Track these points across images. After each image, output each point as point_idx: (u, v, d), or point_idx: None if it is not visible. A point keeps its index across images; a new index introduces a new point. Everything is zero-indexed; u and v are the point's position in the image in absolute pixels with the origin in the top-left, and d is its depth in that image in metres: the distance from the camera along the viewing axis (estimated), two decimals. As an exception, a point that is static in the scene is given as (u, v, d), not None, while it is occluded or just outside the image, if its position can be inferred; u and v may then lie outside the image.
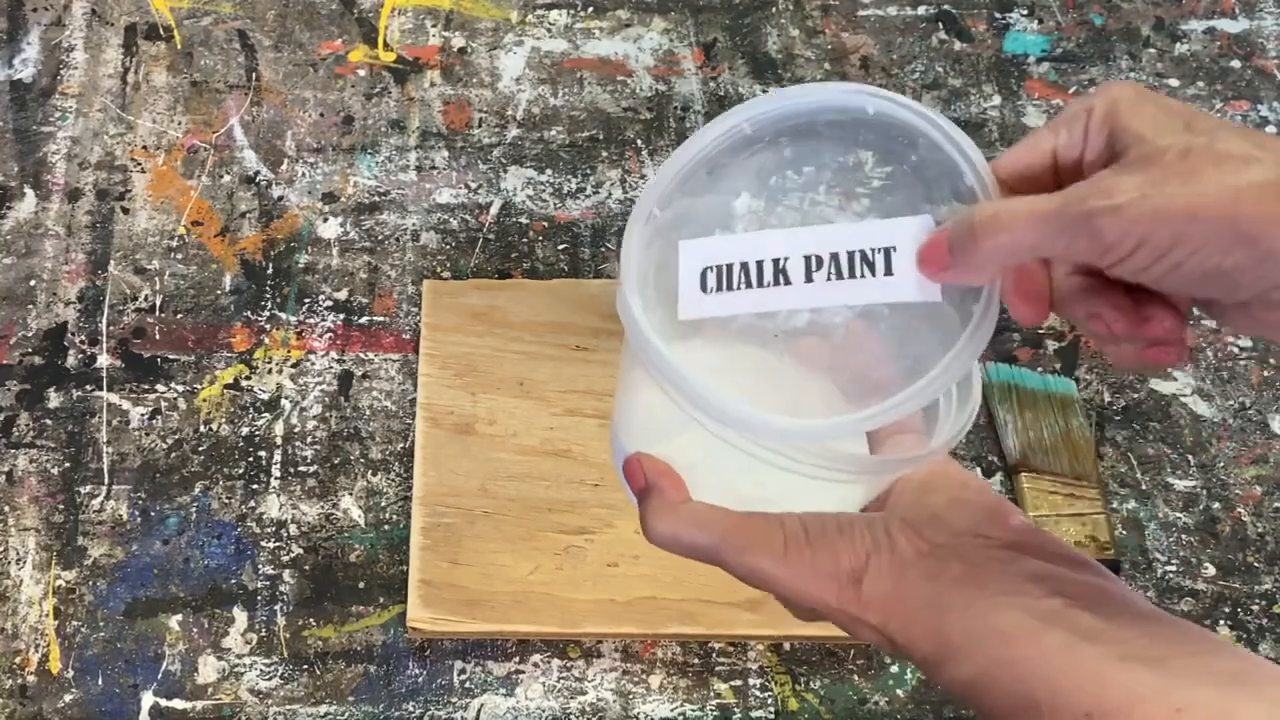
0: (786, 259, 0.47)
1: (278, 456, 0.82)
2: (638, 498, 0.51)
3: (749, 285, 0.47)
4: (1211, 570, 0.80)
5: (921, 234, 0.45)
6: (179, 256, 0.89)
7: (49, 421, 0.83)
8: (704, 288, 0.48)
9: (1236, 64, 1.00)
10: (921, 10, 1.02)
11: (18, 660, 0.76)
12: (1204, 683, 0.42)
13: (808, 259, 0.46)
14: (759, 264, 0.47)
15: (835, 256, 0.46)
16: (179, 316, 0.87)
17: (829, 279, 0.46)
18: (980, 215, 0.43)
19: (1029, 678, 0.43)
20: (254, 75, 0.97)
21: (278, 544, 0.80)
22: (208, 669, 0.76)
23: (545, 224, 0.92)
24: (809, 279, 0.46)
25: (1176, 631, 0.44)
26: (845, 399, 0.52)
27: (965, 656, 0.45)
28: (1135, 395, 0.86)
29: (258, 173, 0.93)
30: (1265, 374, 0.87)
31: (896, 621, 0.46)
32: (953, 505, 0.48)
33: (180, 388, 0.85)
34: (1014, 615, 0.45)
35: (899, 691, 0.76)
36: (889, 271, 0.45)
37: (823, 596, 0.47)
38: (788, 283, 0.47)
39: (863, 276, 0.46)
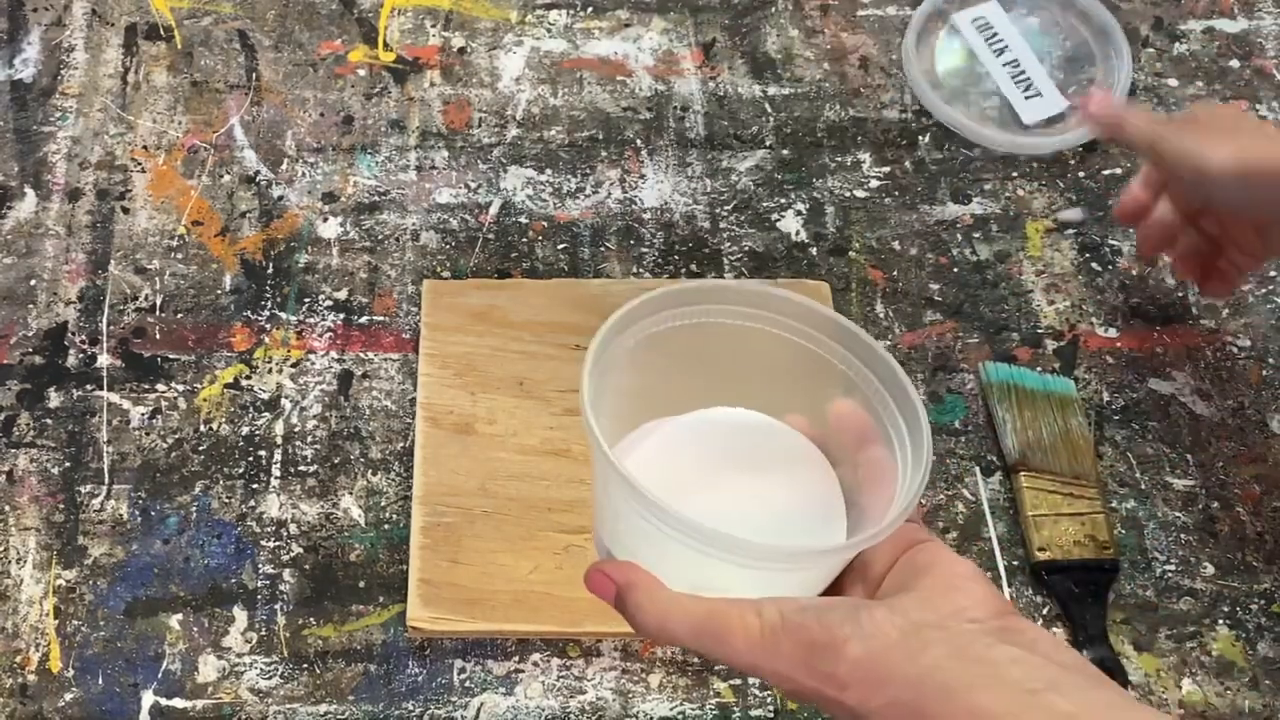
0: None
1: (278, 456, 0.83)
2: (614, 602, 0.53)
3: None
4: (1210, 569, 0.80)
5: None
6: (179, 256, 0.90)
7: (49, 421, 0.83)
8: None
9: (1235, 64, 1.00)
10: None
11: (18, 659, 0.76)
12: None
13: None
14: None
15: None
16: (179, 316, 0.87)
17: None
18: None
19: None
20: (254, 75, 0.98)
21: (278, 543, 0.80)
22: (208, 668, 0.76)
23: (545, 224, 0.92)
24: None
25: (1147, 715, 0.46)
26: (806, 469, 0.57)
27: None
28: (1134, 395, 0.86)
29: (258, 173, 0.93)
30: (1264, 373, 0.87)
31: (876, 702, 0.47)
32: (943, 589, 0.50)
33: (180, 387, 0.85)
34: (992, 695, 0.46)
35: (898, 691, 0.76)
36: None
37: (796, 678, 0.48)
38: None
39: None
